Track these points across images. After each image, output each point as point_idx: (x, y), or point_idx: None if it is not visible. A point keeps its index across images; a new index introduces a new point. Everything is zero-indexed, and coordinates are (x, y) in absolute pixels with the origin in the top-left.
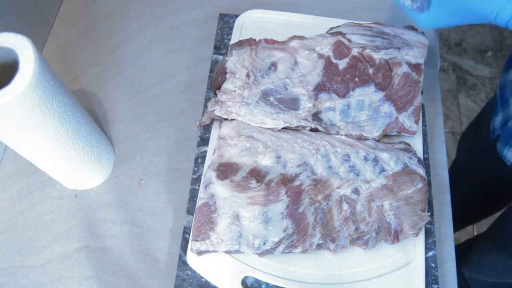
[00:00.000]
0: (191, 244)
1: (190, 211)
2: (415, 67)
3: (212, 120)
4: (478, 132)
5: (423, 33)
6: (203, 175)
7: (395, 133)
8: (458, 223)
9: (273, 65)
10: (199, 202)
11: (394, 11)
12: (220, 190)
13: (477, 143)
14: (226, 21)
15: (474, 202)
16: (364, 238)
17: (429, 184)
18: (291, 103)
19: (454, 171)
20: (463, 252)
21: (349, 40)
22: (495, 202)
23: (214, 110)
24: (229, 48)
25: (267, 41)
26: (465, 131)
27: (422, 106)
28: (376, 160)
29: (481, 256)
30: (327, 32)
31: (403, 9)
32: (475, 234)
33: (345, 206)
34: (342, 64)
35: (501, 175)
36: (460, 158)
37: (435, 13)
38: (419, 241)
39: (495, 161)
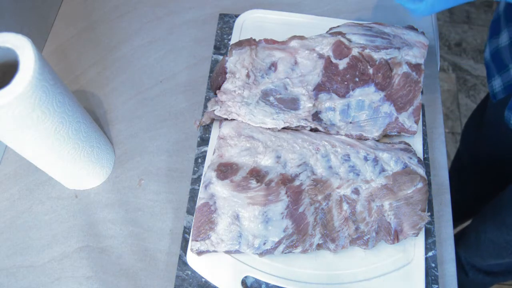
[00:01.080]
0: (191, 244)
1: (190, 211)
2: (415, 67)
3: (212, 120)
4: (481, 120)
5: (423, 33)
6: (203, 175)
7: (395, 133)
8: (458, 219)
9: (273, 65)
10: (199, 202)
11: (394, 11)
12: (220, 190)
13: (485, 116)
14: (226, 21)
15: (478, 189)
16: (364, 238)
17: (429, 184)
18: (291, 103)
19: (458, 161)
20: (460, 236)
21: (349, 40)
22: (498, 185)
23: (214, 110)
24: (229, 48)
25: (267, 41)
26: (473, 112)
27: (422, 106)
28: (376, 160)
29: (478, 234)
30: (327, 32)
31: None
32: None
33: (345, 206)
34: (342, 64)
35: (507, 152)
36: (466, 139)
37: (430, 3)
38: (419, 241)
39: (502, 135)
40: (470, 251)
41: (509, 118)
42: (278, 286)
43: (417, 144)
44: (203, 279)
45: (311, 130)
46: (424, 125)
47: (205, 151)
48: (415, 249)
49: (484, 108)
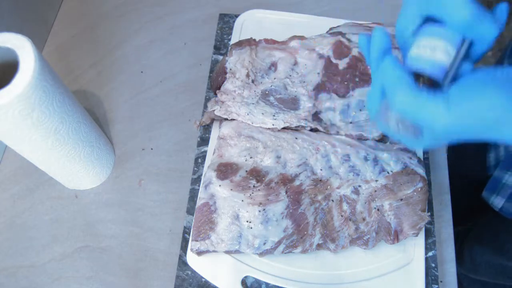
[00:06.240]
0: (191, 244)
1: (190, 211)
2: None
3: (212, 120)
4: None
5: None
6: (203, 175)
7: None
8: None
9: (273, 65)
10: (199, 202)
11: (394, 11)
12: (220, 190)
13: (467, 158)
14: (226, 21)
15: (461, 207)
16: (364, 238)
17: (429, 184)
18: (291, 103)
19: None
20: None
21: (349, 40)
22: (480, 205)
23: (214, 110)
24: (229, 48)
25: (267, 41)
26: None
27: None
28: (376, 160)
29: (473, 255)
30: (327, 32)
31: (394, 137)
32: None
33: (345, 206)
34: (342, 64)
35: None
36: (450, 167)
37: (430, 140)
38: (419, 241)
39: (480, 166)
40: (465, 268)
41: (488, 198)
42: (278, 286)
43: None
44: (203, 279)
45: (311, 130)
46: None
47: (205, 151)
48: (415, 249)
49: None
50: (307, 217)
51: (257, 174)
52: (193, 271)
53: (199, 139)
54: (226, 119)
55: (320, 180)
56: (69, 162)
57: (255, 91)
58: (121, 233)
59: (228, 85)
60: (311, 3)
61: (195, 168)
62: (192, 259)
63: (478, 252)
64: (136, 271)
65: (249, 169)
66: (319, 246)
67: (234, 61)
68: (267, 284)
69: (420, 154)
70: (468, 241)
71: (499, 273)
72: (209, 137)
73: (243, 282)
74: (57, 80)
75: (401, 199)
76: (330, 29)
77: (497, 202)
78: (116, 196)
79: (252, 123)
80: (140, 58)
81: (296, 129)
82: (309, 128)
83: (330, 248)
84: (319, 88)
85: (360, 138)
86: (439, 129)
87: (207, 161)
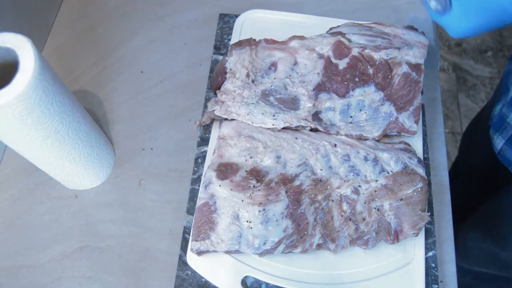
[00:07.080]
0: (191, 244)
1: (190, 211)
2: (415, 67)
3: (212, 120)
4: (478, 125)
5: (423, 33)
6: (203, 175)
7: (395, 133)
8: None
9: (273, 65)
10: (199, 202)
11: (394, 11)
12: (220, 190)
13: (476, 136)
14: (226, 21)
15: (471, 199)
16: (364, 238)
17: (429, 184)
18: (291, 103)
19: (455, 170)
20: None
21: (349, 40)
22: (489, 195)
23: (214, 110)
24: (229, 48)
25: (267, 41)
26: (469, 126)
27: (422, 106)
28: (376, 160)
29: (465, 242)
30: (327, 32)
31: (432, 16)
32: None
33: (345, 206)
34: (342, 64)
35: (495, 168)
36: (461, 153)
37: (458, 14)
38: (419, 241)
39: (490, 153)
40: (460, 256)
41: (492, 138)
42: (278, 286)
43: (417, 144)
44: (203, 279)
45: (311, 130)
46: (424, 125)
47: (205, 151)
48: (415, 249)
49: (482, 114)
50: (307, 217)
51: (257, 174)
52: (193, 271)
53: (199, 139)
54: (226, 119)
55: (320, 180)
56: (69, 162)
57: (255, 91)
58: (121, 233)
59: (228, 85)
60: (311, 3)
61: (195, 168)
62: (192, 259)
63: (471, 237)
64: (136, 271)
65: (249, 169)
66: (319, 246)
67: (234, 61)
68: (267, 284)
69: (420, 154)
70: (463, 229)
71: (491, 260)
72: (209, 137)
73: (243, 282)
74: (57, 80)
75: (401, 199)
76: (330, 29)
77: (498, 142)
78: (116, 196)
79: (252, 123)
80: (140, 58)
81: (296, 129)
82: (309, 128)
83: (330, 248)
84: (319, 88)
85: (360, 138)
86: None
87: (207, 161)
